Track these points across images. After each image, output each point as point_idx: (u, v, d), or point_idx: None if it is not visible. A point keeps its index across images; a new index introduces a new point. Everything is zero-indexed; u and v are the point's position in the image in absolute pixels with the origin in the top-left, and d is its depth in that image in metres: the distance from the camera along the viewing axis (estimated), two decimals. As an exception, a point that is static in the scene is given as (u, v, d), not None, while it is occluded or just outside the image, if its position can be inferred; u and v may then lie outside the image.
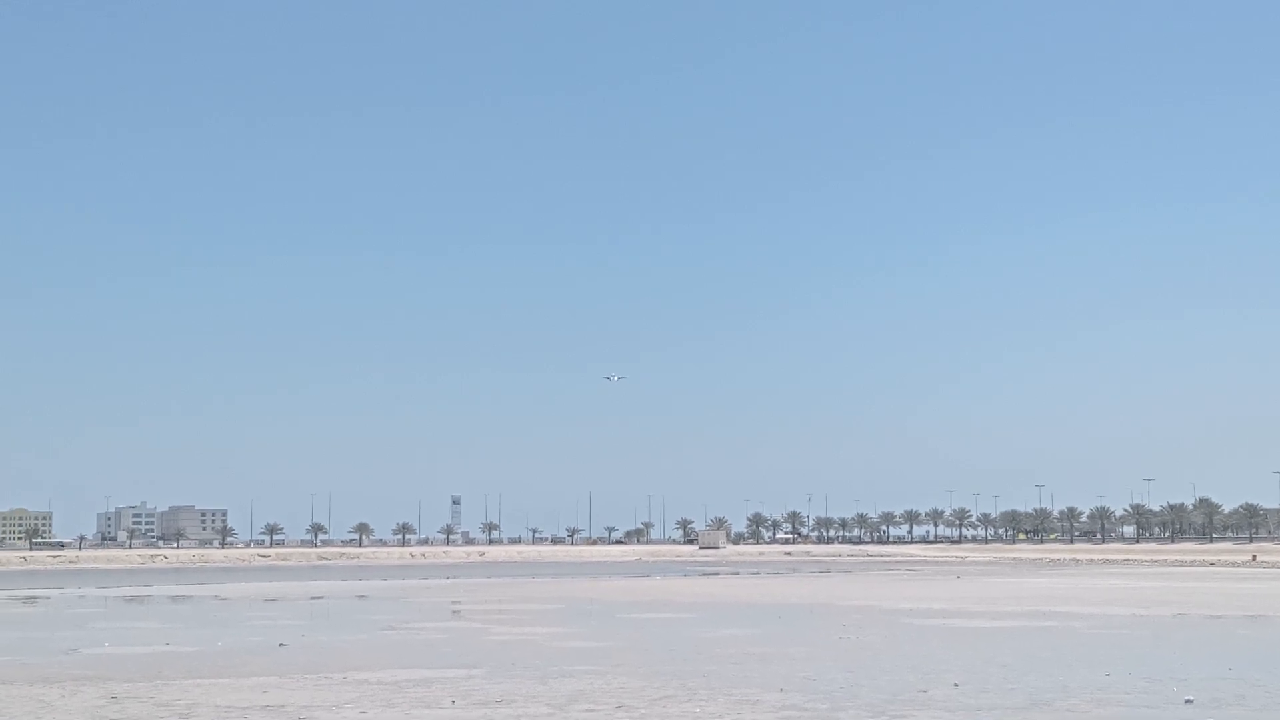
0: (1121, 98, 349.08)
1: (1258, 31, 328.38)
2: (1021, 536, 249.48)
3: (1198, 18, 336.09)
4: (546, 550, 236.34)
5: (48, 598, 78.47)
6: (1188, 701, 24.67)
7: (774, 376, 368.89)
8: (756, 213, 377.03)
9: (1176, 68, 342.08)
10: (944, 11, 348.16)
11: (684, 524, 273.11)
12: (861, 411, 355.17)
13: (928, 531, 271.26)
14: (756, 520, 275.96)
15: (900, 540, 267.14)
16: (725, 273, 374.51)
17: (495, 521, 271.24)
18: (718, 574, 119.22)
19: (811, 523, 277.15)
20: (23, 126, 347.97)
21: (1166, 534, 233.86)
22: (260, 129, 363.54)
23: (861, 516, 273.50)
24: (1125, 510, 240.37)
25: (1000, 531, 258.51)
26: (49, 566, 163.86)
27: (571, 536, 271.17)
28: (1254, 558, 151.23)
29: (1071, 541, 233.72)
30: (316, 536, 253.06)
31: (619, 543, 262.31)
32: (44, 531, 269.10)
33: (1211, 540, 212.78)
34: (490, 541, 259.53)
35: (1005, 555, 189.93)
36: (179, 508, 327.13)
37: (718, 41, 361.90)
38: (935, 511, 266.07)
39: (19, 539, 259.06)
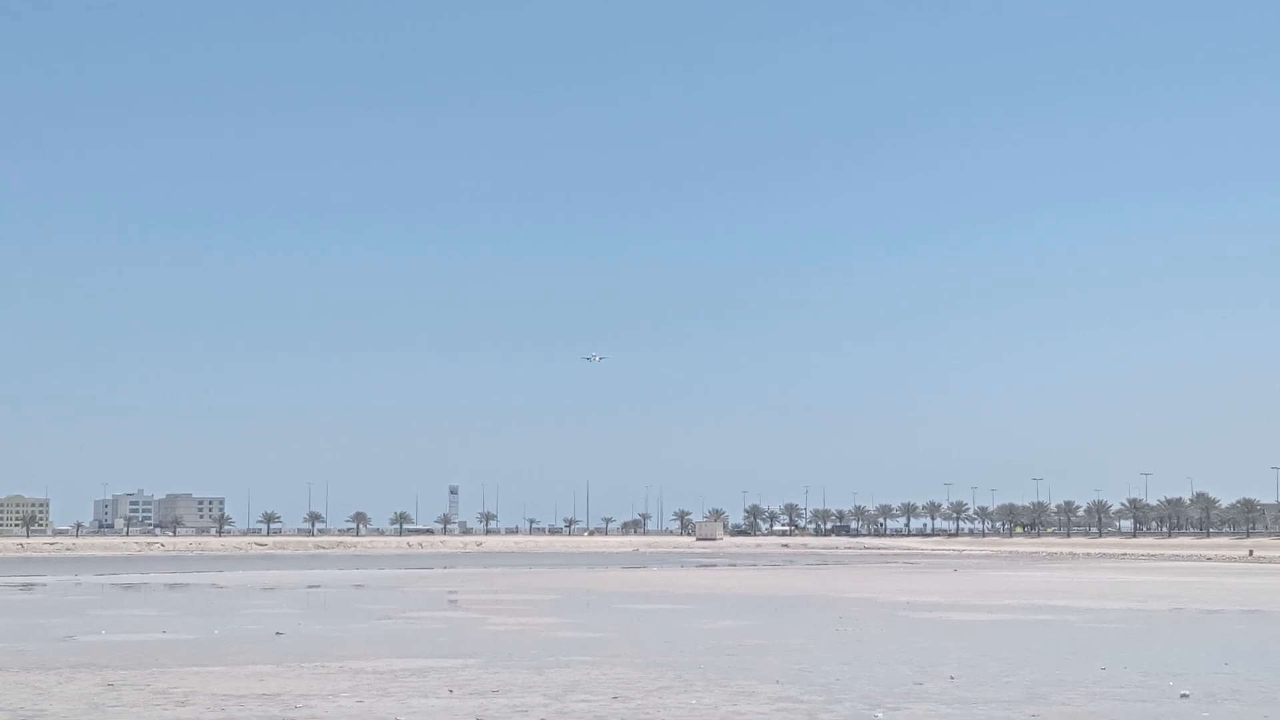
0: (1122, 97, 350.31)
1: (1260, 31, 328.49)
2: (1018, 530, 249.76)
3: (1196, 18, 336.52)
4: (544, 540, 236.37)
5: (44, 584, 78.50)
6: (1183, 696, 24.68)
7: (772, 369, 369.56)
8: (756, 207, 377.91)
9: (1184, 67, 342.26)
10: (950, 10, 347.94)
11: (681, 515, 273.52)
12: (859, 405, 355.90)
13: (925, 525, 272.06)
14: (754, 512, 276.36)
15: (897, 533, 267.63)
16: (724, 266, 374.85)
17: (493, 511, 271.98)
18: (715, 566, 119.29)
19: (809, 515, 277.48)
20: (25, 119, 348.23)
21: (1163, 528, 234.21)
22: (259, 124, 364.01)
23: (859, 509, 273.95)
24: (1122, 504, 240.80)
25: (997, 525, 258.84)
26: (46, 553, 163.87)
27: (569, 527, 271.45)
28: (1251, 553, 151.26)
29: (1068, 535, 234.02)
30: (314, 525, 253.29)
31: (616, 534, 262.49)
32: (41, 519, 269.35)
33: (1208, 535, 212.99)
34: (487, 532, 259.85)
35: (1002, 549, 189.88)
36: (176, 496, 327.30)
37: (725, 36, 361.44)
38: (932, 505, 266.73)
39: (16, 526, 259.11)
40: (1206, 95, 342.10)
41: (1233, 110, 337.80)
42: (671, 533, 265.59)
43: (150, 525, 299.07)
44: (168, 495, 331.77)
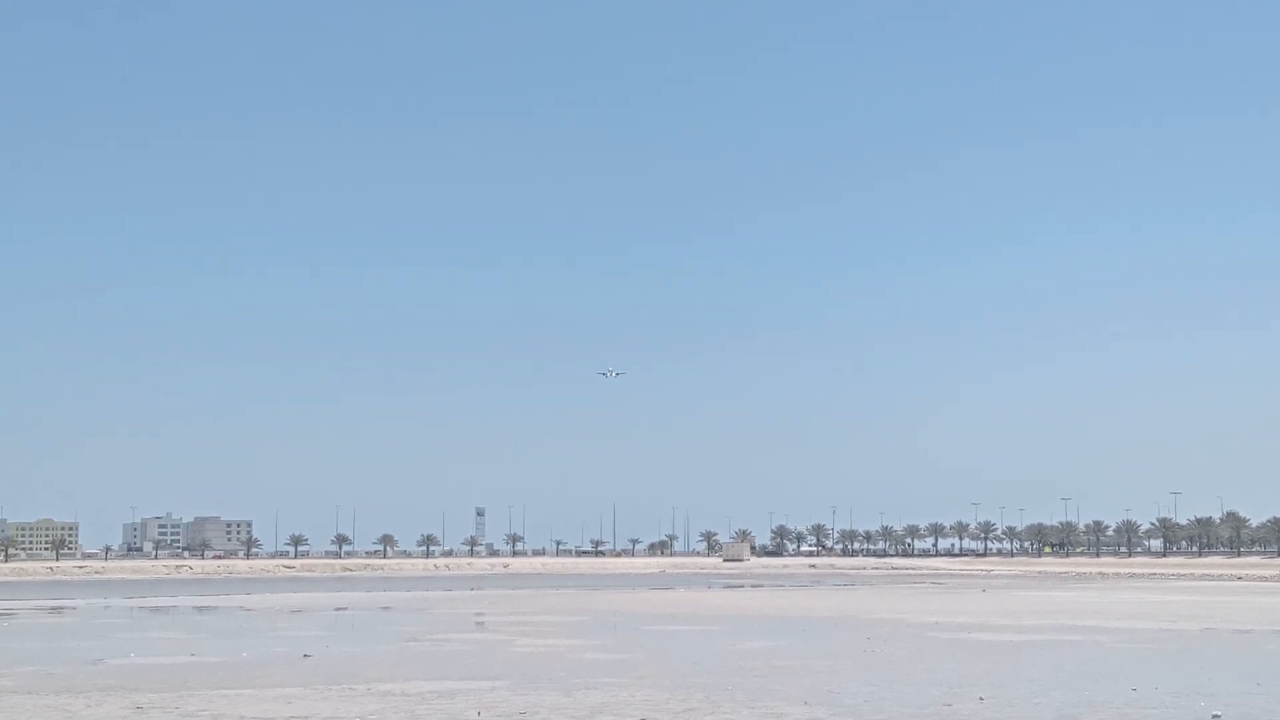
0: (1154, 106, 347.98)
1: (1267, 44, 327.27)
2: (1047, 550, 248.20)
3: (1205, 28, 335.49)
4: (570, 562, 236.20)
5: (74, 608, 78.85)
6: (1215, 717, 24.50)
7: (798, 388, 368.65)
8: (781, 222, 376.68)
9: (1206, 78, 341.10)
10: (962, 23, 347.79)
11: (708, 536, 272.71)
12: (886, 423, 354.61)
13: (953, 544, 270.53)
14: (780, 533, 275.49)
15: (925, 553, 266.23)
16: (749, 283, 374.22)
17: (519, 533, 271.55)
18: (742, 586, 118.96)
19: (836, 535, 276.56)
20: (55, 139, 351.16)
21: (1193, 548, 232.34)
22: (288, 140, 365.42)
23: (886, 529, 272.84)
24: (1152, 524, 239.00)
25: (1026, 545, 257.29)
26: (75, 577, 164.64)
27: (595, 548, 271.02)
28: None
29: (1097, 555, 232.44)
30: (341, 548, 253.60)
31: (643, 555, 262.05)
32: (70, 542, 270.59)
33: (1239, 554, 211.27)
34: (514, 553, 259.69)
35: (1031, 568, 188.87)
36: (204, 519, 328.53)
37: (733, 55, 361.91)
38: (960, 524, 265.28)
39: (45, 549, 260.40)
40: (1230, 106, 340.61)
41: (1258, 121, 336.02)
42: (698, 554, 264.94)
43: (178, 548, 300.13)
44: (196, 518, 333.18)
